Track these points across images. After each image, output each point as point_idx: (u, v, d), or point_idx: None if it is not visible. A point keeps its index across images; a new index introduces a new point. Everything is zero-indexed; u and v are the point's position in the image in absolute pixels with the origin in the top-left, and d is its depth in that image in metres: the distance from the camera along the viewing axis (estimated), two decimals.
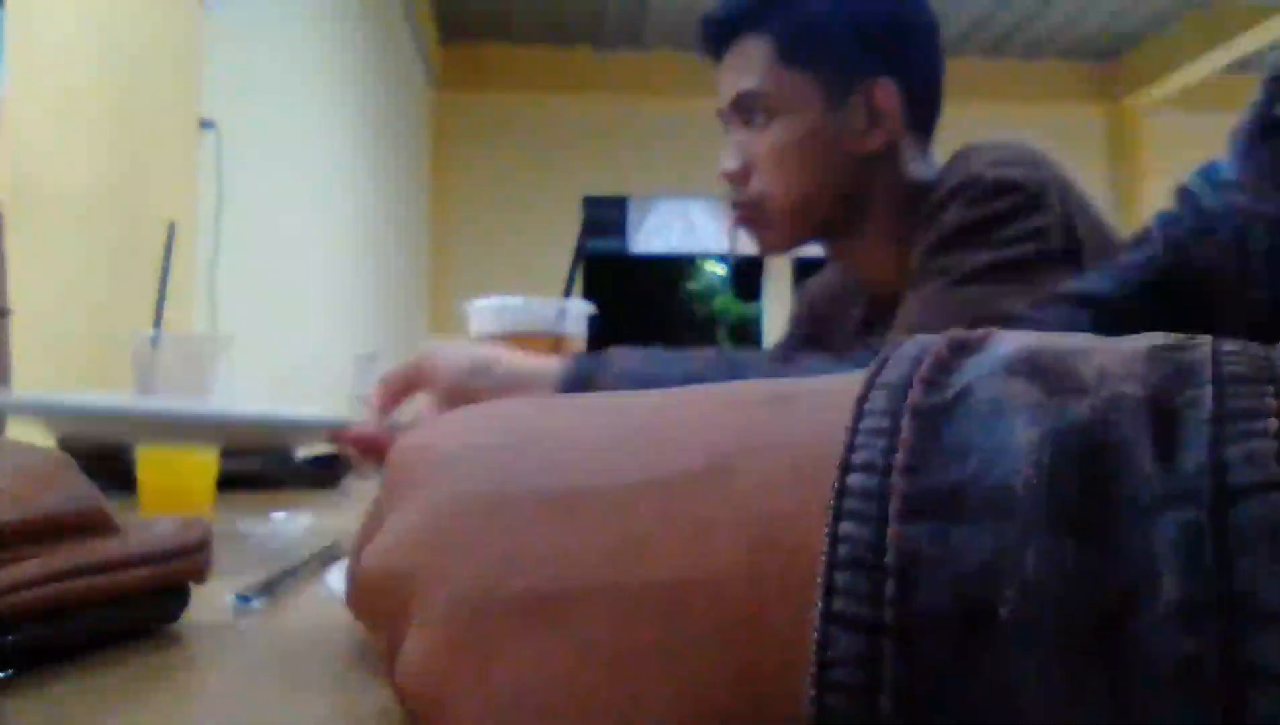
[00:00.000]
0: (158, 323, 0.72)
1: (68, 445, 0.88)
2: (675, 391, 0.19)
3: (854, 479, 0.14)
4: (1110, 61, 6.03)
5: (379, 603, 0.19)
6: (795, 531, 0.15)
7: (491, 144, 5.75)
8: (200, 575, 0.36)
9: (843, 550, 0.14)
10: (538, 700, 0.16)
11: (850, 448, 0.15)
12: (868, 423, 0.15)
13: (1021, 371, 0.15)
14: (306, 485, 1.03)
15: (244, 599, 0.39)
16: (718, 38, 0.98)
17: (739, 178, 0.96)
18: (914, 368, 0.15)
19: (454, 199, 5.69)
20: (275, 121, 2.73)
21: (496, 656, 0.16)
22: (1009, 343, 0.16)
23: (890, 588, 0.13)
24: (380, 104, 4.22)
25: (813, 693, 0.13)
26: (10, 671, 0.28)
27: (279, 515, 0.75)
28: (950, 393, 0.15)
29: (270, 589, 0.41)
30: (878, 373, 0.16)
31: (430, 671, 0.17)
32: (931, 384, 0.15)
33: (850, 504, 0.14)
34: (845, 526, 0.14)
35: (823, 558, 0.14)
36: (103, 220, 1.72)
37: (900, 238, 0.93)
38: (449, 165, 5.69)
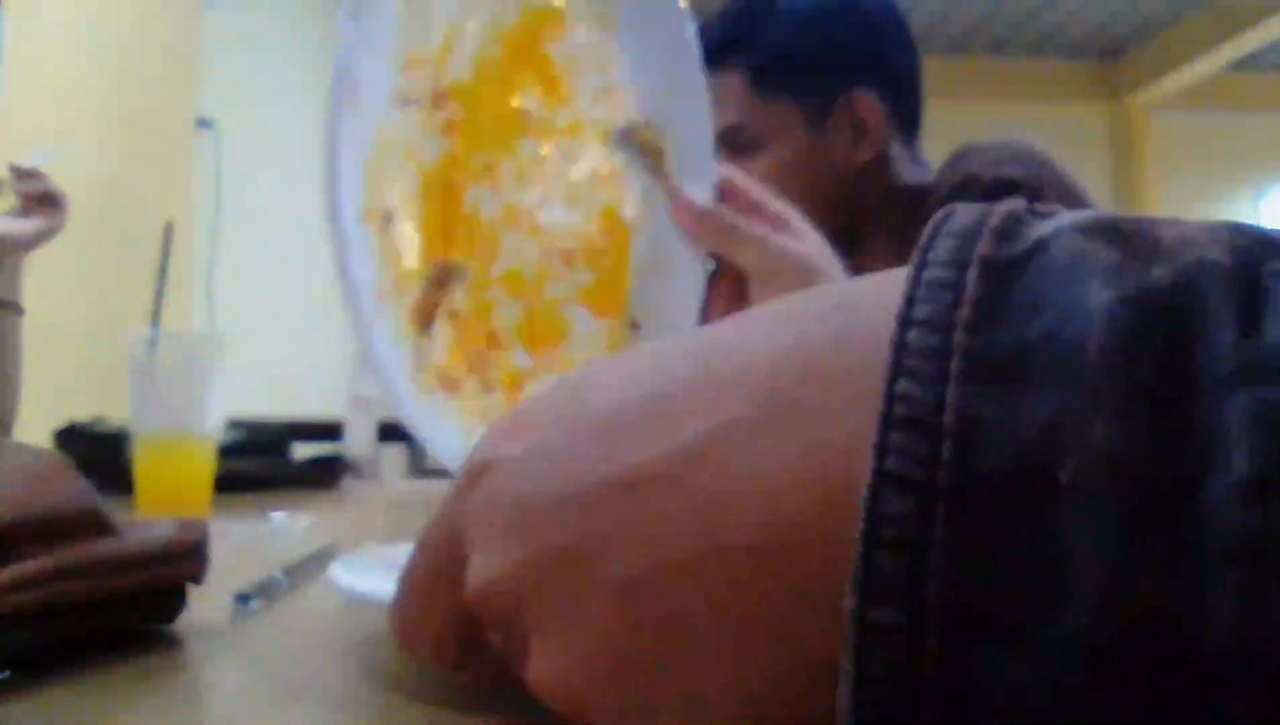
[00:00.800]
0: (155, 323, 0.72)
1: (66, 445, 0.88)
2: (722, 324, 0.19)
3: (914, 334, 0.14)
4: (1113, 60, 6.02)
5: (492, 623, 0.19)
6: (867, 462, 0.14)
7: None
8: (198, 576, 0.36)
9: (899, 409, 0.13)
10: (669, 682, 0.16)
11: (910, 300, 0.14)
12: (931, 273, 0.14)
13: (1100, 232, 0.14)
14: (305, 486, 1.03)
15: (242, 600, 0.38)
16: None
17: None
18: (983, 219, 0.15)
19: None
20: (274, 121, 2.72)
21: (619, 649, 0.16)
22: (1084, 212, 0.15)
23: (946, 449, 0.13)
24: None
25: (861, 549, 0.13)
26: (6, 673, 0.28)
27: (278, 515, 0.75)
28: (1023, 246, 0.14)
29: (269, 590, 0.40)
30: (943, 222, 0.15)
31: (567, 678, 0.17)
32: (1004, 235, 0.14)
33: (909, 362, 0.13)
34: (902, 385, 0.13)
35: (878, 415, 0.13)
36: (100, 220, 1.72)
37: (899, 242, 0.93)
38: None
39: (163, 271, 0.73)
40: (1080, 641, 0.12)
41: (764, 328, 0.17)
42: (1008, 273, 0.14)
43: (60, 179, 1.09)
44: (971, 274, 0.14)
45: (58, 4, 1.61)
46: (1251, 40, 5.17)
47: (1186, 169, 6.03)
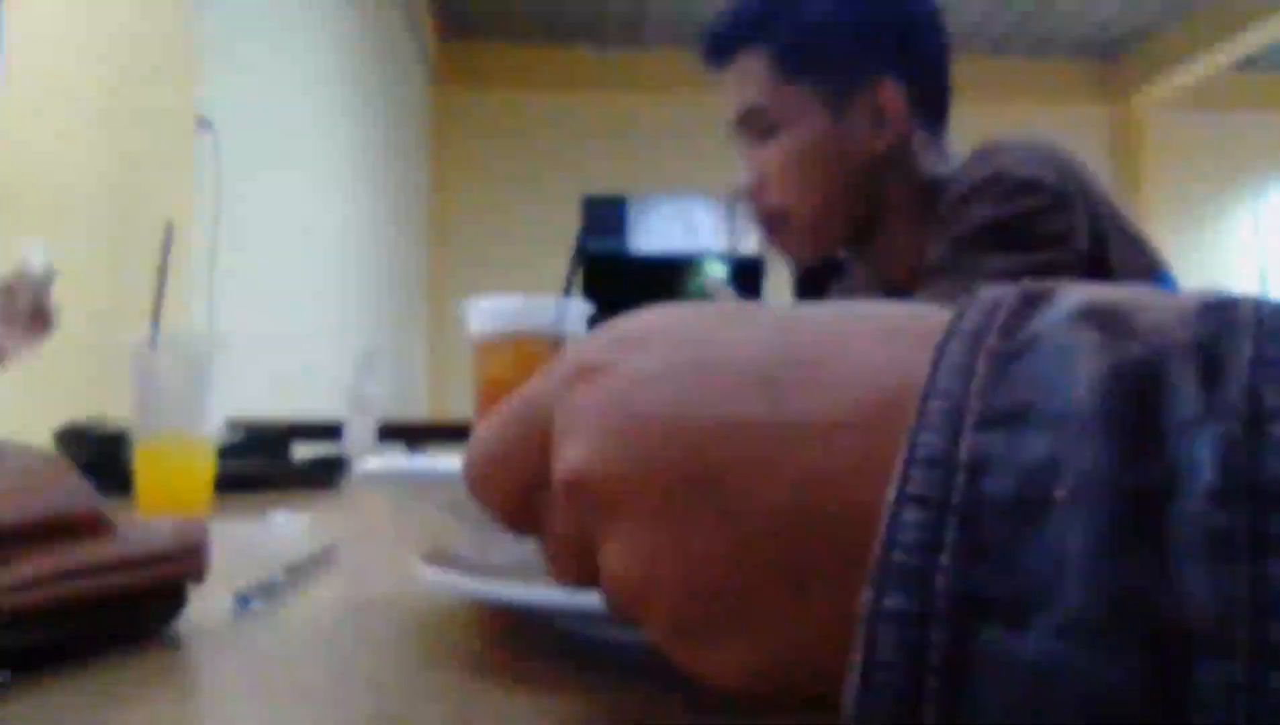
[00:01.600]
0: (155, 323, 0.72)
1: (66, 446, 0.88)
2: (837, 316, 0.21)
3: (934, 403, 0.16)
4: (1114, 59, 6.03)
5: (579, 505, 0.21)
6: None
7: (491, 143, 5.74)
8: (198, 577, 0.36)
9: (921, 452, 0.16)
10: (746, 605, 0.18)
11: (933, 380, 0.17)
12: (947, 361, 0.17)
13: (1088, 318, 0.17)
14: (305, 486, 1.03)
15: (242, 600, 0.39)
16: (717, 53, 0.98)
17: (755, 193, 0.96)
18: (989, 318, 0.18)
19: (453, 198, 5.69)
20: (273, 120, 2.73)
21: (716, 564, 0.19)
22: (1075, 296, 0.18)
23: (960, 478, 0.15)
24: (379, 102, 4.22)
25: (879, 551, 0.15)
26: (6, 673, 0.28)
27: (278, 516, 0.75)
28: (1023, 339, 0.17)
29: (269, 590, 0.40)
30: (956, 322, 0.18)
31: (648, 570, 0.19)
32: (1006, 333, 0.17)
33: (931, 420, 0.16)
34: (925, 436, 0.16)
35: (901, 459, 0.16)
36: (100, 220, 1.72)
37: (918, 233, 0.93)
38: (448, 164, 5.69)
39: (163, 271, 0.74)
40: (1075, 621, 0.14)
41: (873, 342, 0.20)
42: (1010, 358, 0.17)
43: (61, 179, 1.08)
44: (980, 361, 0.17)
45: (57, 3, 1.61)
46: (1251, 40, 5.17)
47: (1186, 169, 6.03)
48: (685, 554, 0.19)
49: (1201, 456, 0.14)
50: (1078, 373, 0.16)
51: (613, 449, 0.20)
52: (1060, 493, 0.15)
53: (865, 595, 0.15)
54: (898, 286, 0.98)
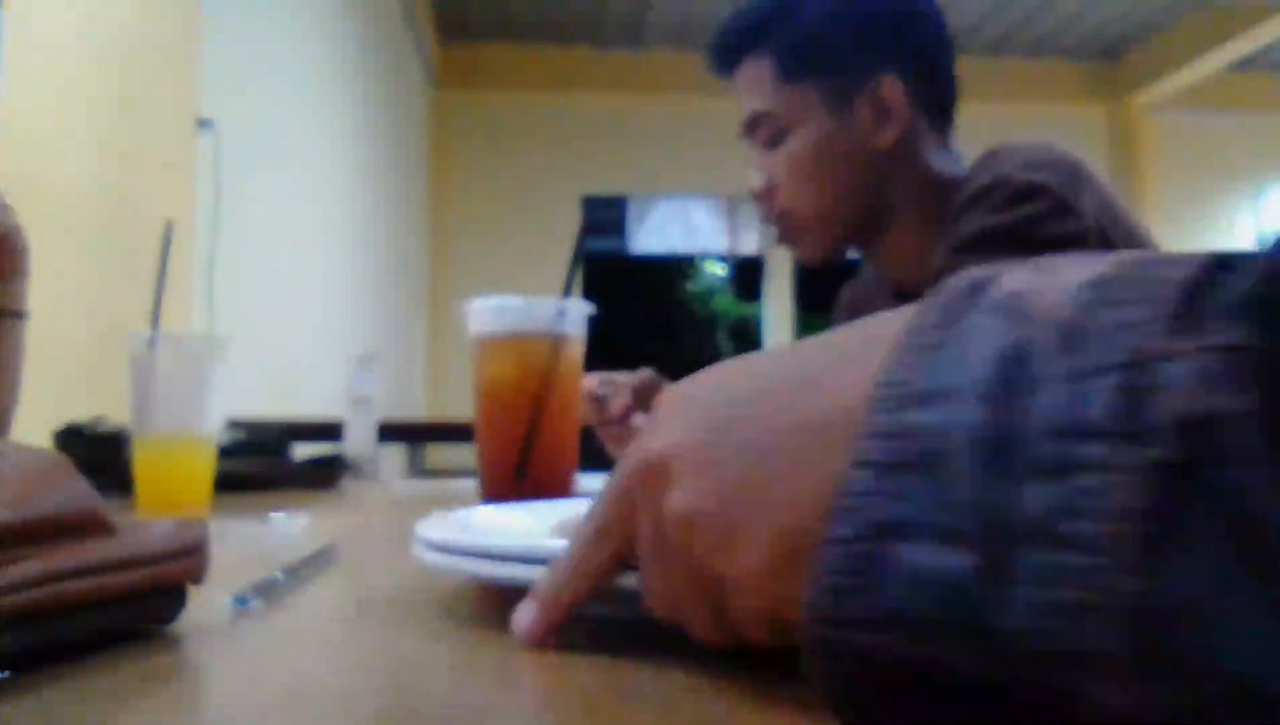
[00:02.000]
0: (155, 323, 0.72)
1: (66, 445, 0.88)
2: (810, 348, 0.28)
3: (882, 389, 0.22)
4: (1112, 60, 6.02)
5: (654, 477, 0.29)
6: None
7: (491, 144, 5.74)
8: (197, 577, 0.36)
9: (868, 428, 0.22)
10: (761, 498, 0.26)
11: (884, 366, 0.22)
12: (896, 352, 0.23)
13: (998, 311, 0.22)
14: (304, 486, 1.03)
15: (241, 601, 0.39)
16: (722, 62, 0.99)
17: (765, 196, 0.98)
18: (930, 312, 0.23)
19: (453, 199, 5.68)
20: (274, 121, 2.73)
21: (740, 483, 0.26)
22: (1006, 284, 0.22)
23: (892, 444, 0.21)
24: (379, 103, 4.22)
25: (837, 500, 0.21)
26: (6, 674, 0.28)
27: (277, 516, 0.75)
28: (951, 333, 0.22)
29: (268, 590, 0.40)
30: (916, 315, 0.23)
31: (697, 502, 0.27)
32: (938, 326, 0.22)
33: (879, 404, 0.22)
34: (875, 416, 0.22)
35: (862, 433, 0.22)
36: (100, 219, 1.72)
37: (927, 233, 0.93)
38: (448, 165, 5.69)
39: (163, 271, 0.74)
40: (947, 533, 0.20)
41: (847, 364, 0.26)
42: (933, 349, 0.22)
43: (61, 178, 1.08)
44: (913, 355, 0.22)
45: (58, 4, 1.61)
46: (1251, 40, 5.17)
47: (1186, 169, 6.03)
48: (740, 440, 0.27)
49: (1041, 404, 0.19)
50: (972, 359, 0.21)
51: (678, 421, 0.29)
52: (947, 447, 0.20)
53: (824, 526, 0.21)
54: (907, 290, 0.98)
